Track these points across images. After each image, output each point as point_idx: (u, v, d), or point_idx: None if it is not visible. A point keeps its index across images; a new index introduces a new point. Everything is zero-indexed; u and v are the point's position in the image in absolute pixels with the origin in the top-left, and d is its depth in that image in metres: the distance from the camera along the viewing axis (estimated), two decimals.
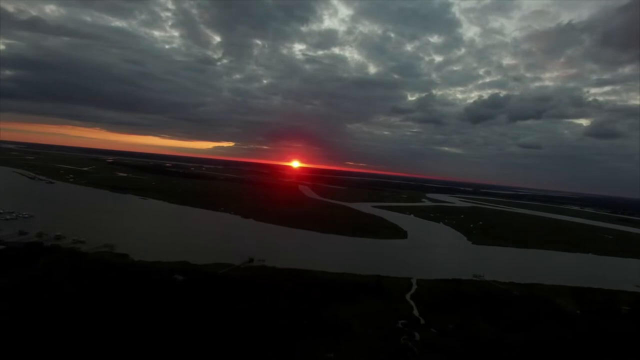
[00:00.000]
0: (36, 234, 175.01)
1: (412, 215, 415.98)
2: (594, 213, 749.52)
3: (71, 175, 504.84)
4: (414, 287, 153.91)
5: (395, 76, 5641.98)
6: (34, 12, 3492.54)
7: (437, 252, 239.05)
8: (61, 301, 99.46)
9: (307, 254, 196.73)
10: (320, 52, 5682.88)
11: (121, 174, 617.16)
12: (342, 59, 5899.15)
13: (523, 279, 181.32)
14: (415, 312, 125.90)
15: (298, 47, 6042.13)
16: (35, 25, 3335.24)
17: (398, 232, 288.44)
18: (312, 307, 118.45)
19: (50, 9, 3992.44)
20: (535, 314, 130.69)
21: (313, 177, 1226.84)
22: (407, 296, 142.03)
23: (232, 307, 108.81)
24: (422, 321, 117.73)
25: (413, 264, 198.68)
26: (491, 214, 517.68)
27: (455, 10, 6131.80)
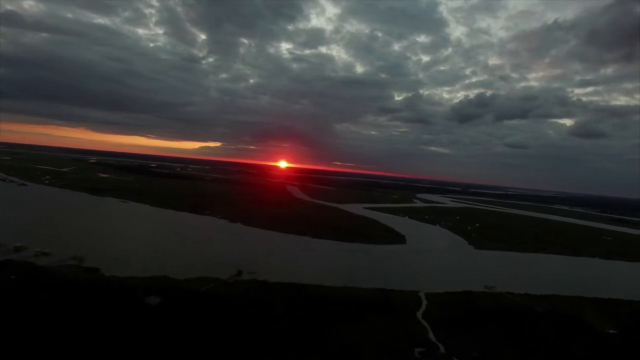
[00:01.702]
0: None
1: (406, 217, 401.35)
2: (585, 213, 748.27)
3: (48, 177, 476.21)
4: (424, 302, 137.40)
5: (383, 76, 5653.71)
6: (9, 7, 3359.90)
7: (439, 258, 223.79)
8: None
9: (301, 264, 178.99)
10: (307, 51, 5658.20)
11: (102, 175, 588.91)
12: (329, 58, 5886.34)
13: (537, 289, 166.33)
14: (431, 335, 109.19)
15: (285, 46, 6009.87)
16: (11, 20, 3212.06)
17: (395, 237, 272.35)
18: (313, 331, 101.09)
19: (28, 4, 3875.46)
20: (566, 335, 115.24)
21: (301, 178, 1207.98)
22: (419, 314, 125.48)
23: (214, 338, 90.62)
24: (442, 348, 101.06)
25: (417, 273, 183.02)
26: (485, 215, 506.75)
27: (443, 9, 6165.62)
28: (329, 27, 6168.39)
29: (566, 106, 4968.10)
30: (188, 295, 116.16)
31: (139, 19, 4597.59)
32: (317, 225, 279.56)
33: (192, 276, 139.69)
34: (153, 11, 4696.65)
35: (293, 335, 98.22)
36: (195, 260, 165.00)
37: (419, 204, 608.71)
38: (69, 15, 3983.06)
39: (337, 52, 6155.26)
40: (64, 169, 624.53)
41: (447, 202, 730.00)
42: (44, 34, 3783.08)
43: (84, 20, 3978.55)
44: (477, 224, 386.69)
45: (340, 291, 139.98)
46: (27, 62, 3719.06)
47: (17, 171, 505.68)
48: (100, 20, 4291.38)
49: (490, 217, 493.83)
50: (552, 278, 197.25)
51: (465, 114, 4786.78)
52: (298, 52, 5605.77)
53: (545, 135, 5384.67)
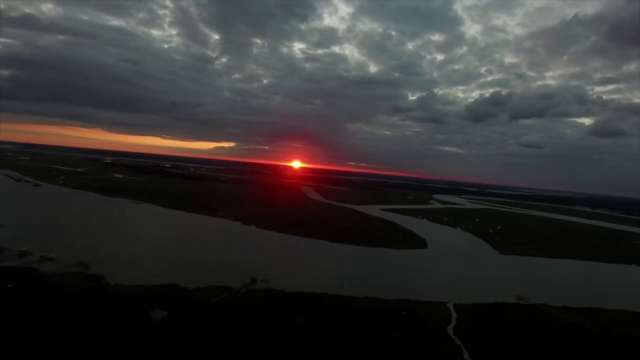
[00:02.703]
0: None
1: (425, 220, 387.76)
2: (609, 215, 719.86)
3: (62, 177, 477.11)
4: (454, 316, 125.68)
5: (396, 75, 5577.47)
6: (27, 9, 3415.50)
7: (464, 264, 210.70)
8: None
9: (319, 270, 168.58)
10: (320, 51, 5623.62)
11: (117, 176, 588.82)
12: (342, 58, 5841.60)
13: (575, 300, 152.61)
14: (466, 356, 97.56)
15: (298, 46, 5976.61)
16: (28, 23, 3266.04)
17: (416, 241, 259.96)
18: (333, 352, 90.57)
19: (47, 7, 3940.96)
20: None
21: (315, 178, 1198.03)
22: (449, 330, 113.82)
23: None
24: None
25: (442, 281, 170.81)
26: (505, 217, 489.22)
27: (457, 7, 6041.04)
28: (341, 27, 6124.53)
29: (585, 104, 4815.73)
30: (197, 307, 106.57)
31: (153, 20, 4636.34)
32: (335, 228, 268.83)
33: (203, 285, 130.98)
34: (167, 12, 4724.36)
35: (311, 356, 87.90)
36: (207, 266, 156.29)
37: (436, 205, 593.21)
38: (85, 18, 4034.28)
39: (350, 52, 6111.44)
40: (79, 169, 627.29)
41: (464, 203, 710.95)
42: (60, 36, 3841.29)
43: (99, 22, 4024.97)
44: (499, 227, 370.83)
45: (362, 303, 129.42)
46: (42, 64, 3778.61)
47: (32, 171, 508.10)
48: (115, 22, 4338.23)
49: (511, 219, 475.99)
50: (589, 288, 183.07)
51: (479, 113, 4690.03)
52: (311, 52, 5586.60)
53: (563, 134, 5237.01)
